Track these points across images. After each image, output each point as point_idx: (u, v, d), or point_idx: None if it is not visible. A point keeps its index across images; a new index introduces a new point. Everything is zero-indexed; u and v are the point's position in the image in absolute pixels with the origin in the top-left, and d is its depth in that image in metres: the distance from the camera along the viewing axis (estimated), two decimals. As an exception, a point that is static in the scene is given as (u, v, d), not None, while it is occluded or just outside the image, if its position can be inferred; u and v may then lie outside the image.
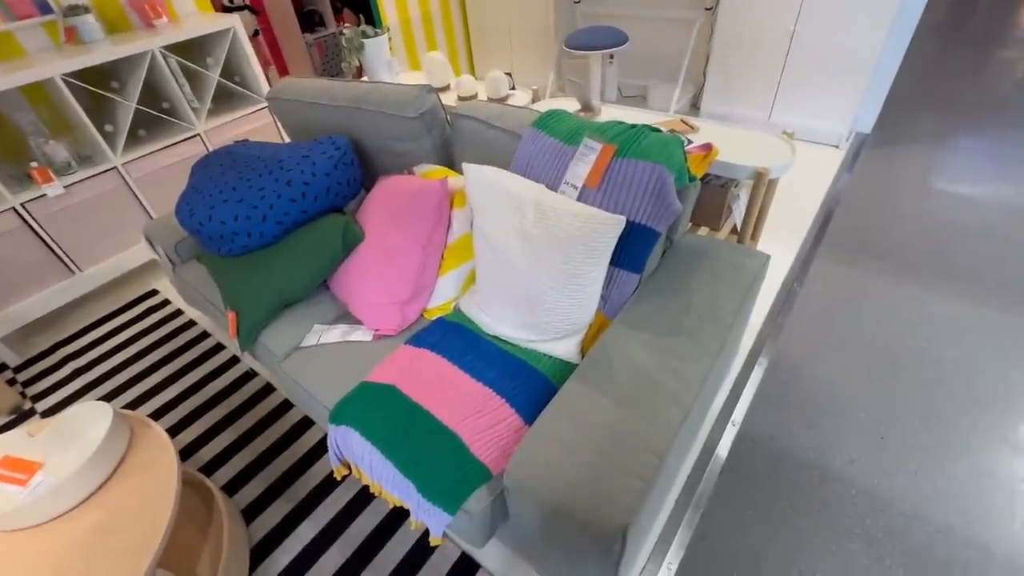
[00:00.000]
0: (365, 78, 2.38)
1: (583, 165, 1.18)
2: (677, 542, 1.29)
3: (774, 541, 1.27)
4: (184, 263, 1.78)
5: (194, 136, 2.33)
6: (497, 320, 1.27)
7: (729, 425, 1.54)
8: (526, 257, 1.16)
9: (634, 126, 1.19)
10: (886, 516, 1.29)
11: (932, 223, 2.20)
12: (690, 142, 1.16)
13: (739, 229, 1.64)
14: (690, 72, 3.10)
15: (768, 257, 1.27)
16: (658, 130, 1.16)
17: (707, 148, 1.17)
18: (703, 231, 1.77)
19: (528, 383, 1.15)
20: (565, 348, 1.21)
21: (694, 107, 3.28)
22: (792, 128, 2.82)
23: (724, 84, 2.96)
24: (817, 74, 2.62)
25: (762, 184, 1.45)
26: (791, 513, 1.32)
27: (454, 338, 1.28)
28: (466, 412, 1.09)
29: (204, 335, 2.06)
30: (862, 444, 1.44)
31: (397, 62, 2.37)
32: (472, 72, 4.14)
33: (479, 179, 1.25)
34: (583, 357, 1.20)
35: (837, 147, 2.78)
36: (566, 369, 1.19)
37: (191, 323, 2.13)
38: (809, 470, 1.40)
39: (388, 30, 2.28)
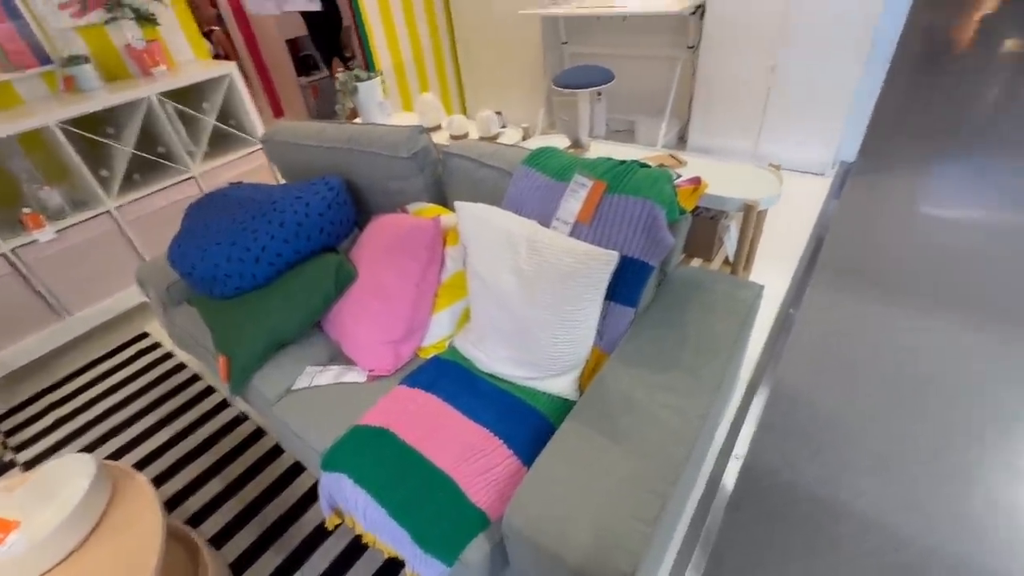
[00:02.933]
0: (359, 119, 2.43)
1: (574, 201, 1.19)
2: (685, 586, 1.24)
3: (786, 582, 1.22)
4: (176, 306, 1.76)
5: (189, 179, 2.35)
6: (493, 358, 1.25)
7: (732, 458, 1.50)
8: (520, 294, 1.15)
9: (623, 162, 1.21)
10: (902, 553, 1.24)
11: (921, 248, 2.22)
12: (679, 176, 1.17)
13: (731, 260, 1.65)
14: (676, 107, 3.18)
15: (761, 287, 1.27)
16: (647, 165, 1.18)
17: (696, 181, 1.18)
18: (696, 262, 1.78)
19: (526, 422, 1.13)
20: (562, 385, 1.19)
21: (681, 140, 3.35)
22: (778, 158, 2.88)
23: (709, 118, 3.04)
24: (799, 106, 2.70)
25: (751, 215, 1.47)
26: (803, 552, 1.28)
27: (449, 377, 1.26)
28: (463, 455, 1.06)
29: (195, 378, 2.02)
30: (869, 476, 1.41)
31: (390, 104, 2.42)
32: (464, 111, 4.24)
33: (471, 217, 1.25)
34: (581, 394, 1.18)
35: (823, 175, 2.83)
36: (564, 407, 1.16)
37: (181, 366, 2.09)
38: (817, 504, 1.37)
39: (381, 73, 2.35)
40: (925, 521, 1.30)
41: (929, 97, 3.72)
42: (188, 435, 1.78)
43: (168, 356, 2.16)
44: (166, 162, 2.34)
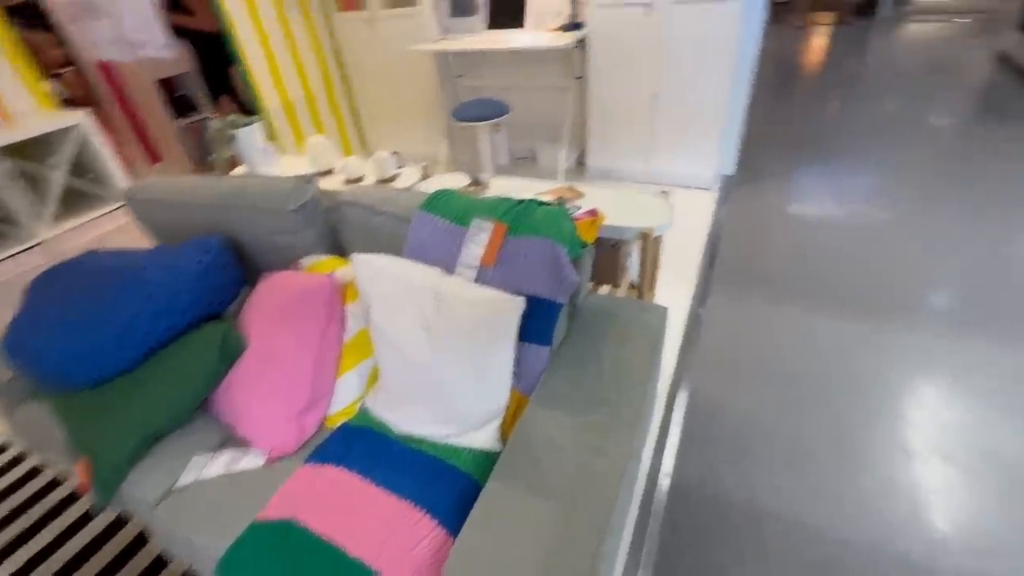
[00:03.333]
0: (241, 168, 2.25)
1: (475, 246, 1.15)
2: (631, 624, 1.21)
3: (724, 599, 1.24)
4: (21, 403, 1.47)
5: (34, 247, 2.02)
6: (407, 418, 1.17)
7: (661, 477, 1.52)
8: (429, 348, 1.08)
9: (521, 201, 1.20)
10: (819, 546, 1.31)
11: (799, 248, 2.46)
12: (579, 208, 1.18)
13: (636, 284, 1.70)
14: (573, 133, 3.32)
15: (665, 310, 1.31)
16: (545, 203, 1.18)
17: (593, 214, 1.20)
18: (605, 288, 1.82)
19: (449, 485, 1.05)
20: (484, 437, 1.13)
21: (581, 164, 3.49)
22: (668, 175, 3.08)
23: (604, 142, 3.20)
24: (681, 127, 2.92)
25: (648, 242, 1.53)
26: (734, 560, 1.31)
27: (361, 446, 1.15)
28: (382, 536, 0.96)
29: (55, 483, 1.70)
30: (782, 473, 1.49)
31: (274, 149, 2.27)
32: (365, 148, 4.12)
33: (370, 269, 1.18)
34: (504, 443, 1.13)
35: (709, 189, 3.07)
36: (488, 460, 1.10)
37: (36, 470, 1.75)
38: (741, 509, 1.41)
39: (260, 117, 2.20)
40: (835, 511, 1.38)
41: (786, 113, 4.22)
42: (51, 554, 1.48)
43: (18, 460, 1.80)
44: (3, 225, 2.00)
